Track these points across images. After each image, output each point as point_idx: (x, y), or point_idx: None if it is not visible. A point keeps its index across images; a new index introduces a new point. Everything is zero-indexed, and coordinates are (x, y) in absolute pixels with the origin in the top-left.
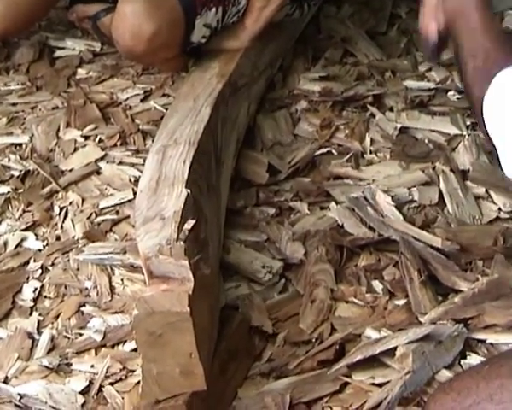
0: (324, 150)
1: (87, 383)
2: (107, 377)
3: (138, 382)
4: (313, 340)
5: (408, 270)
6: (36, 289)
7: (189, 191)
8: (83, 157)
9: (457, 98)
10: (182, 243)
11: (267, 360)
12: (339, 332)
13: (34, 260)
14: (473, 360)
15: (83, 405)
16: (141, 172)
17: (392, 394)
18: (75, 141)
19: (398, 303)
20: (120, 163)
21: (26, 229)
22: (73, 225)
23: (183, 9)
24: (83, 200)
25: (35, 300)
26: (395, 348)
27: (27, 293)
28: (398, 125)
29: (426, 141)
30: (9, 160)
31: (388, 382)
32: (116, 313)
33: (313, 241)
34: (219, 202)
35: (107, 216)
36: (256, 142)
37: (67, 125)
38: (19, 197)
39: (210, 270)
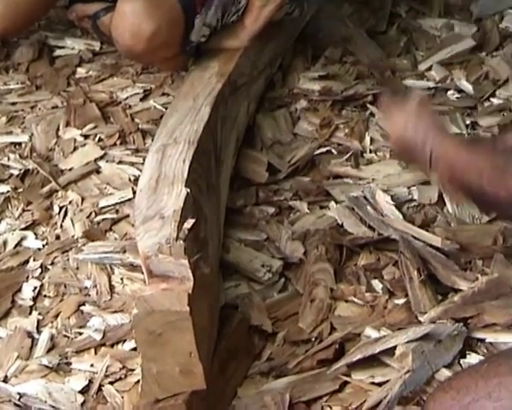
0: (324, 149)
1: (87, 382)
2: (106, 376)
3: (138, 381)
4: (313, 339)
5: (407, 269)
6: (35, 288)
7: (188, 190)
8: (82, 156)
9: (457, 97)
10: (181, 242)
11: (267, 360)
12: (338, 331)
13: (34, 260)
14: (472, 359)
15: (82, 404)
16: (140, 171)
17: (391, 393)
18: (75, 140)
19: (397, 302)
20: (120, 162)
21: (26, 228)
22: (73, 225)
23: (183, 8)
24: (82, 199)
25: (35, 299)
26: (395, 348)
27: (27, 292)
28: None
29: None
30: (9, 159)
31: (388, 381)
32: (116, 312)
33: (313, 240)
34: (219, 201)
35: (107, 215)
36: (256, 141)
37: (67, 124)
38: (18, 196)
39: (209, 269)
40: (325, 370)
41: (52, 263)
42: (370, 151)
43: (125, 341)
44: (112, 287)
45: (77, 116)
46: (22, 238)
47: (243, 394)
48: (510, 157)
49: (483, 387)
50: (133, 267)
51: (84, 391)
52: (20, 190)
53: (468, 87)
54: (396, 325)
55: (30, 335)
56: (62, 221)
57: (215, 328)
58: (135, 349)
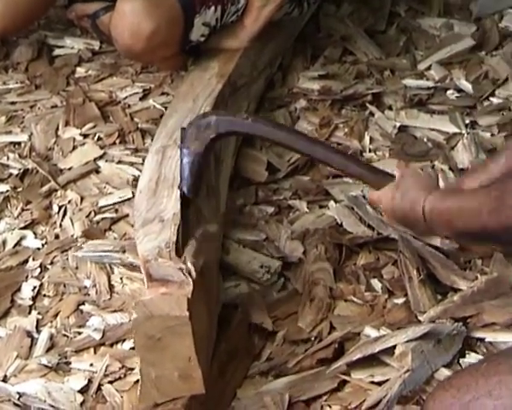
0: None
1: (86, 381)
2: (106, 375)
3: (137, 380)
4: (312, 338)
5: (407, 268)
6: (35, 287)
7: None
8: (82, 156)
9: (456, 97)
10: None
11: (266, 359)
12: (338, 331)
13: (33, 259)
14: (472, 358)
15: (82, 403)
16: (140, 170)
17: (391, 392)
18: (74, 139)
19: (397, 302)
20: (119, 162)
21: (25, 227)
22: (72, 224)
23: (182, 8)
24: (82, 198)
25: (34, 298)
26: (394, 347)
27: (26, 292)
28: (397, 124)
29: (425, 139)
30: (8, 158)
31: (387, 380)
32: (115, 311)
33: (312, 239)
34: (218, 200)
35: (106, 215)
36: (255, 140)
37: (66, 123)
38: (18, 196)
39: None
40: (325, 369)
41: (51, 262)
42: (370, 150)
43: (124, 340)
44: (111, 286)
45: (76, 115)
46: (21, 238)
47: (243, 394)
48: (506, 182)
49: (483, 385)
50: (132, 267)
51: (83, 391)
52: (20, 189)
53: (467, 86)
54: (395, 324)
55: (29, 334)
56: (62, 221)
57: (214, 331)
58: (134, 349)
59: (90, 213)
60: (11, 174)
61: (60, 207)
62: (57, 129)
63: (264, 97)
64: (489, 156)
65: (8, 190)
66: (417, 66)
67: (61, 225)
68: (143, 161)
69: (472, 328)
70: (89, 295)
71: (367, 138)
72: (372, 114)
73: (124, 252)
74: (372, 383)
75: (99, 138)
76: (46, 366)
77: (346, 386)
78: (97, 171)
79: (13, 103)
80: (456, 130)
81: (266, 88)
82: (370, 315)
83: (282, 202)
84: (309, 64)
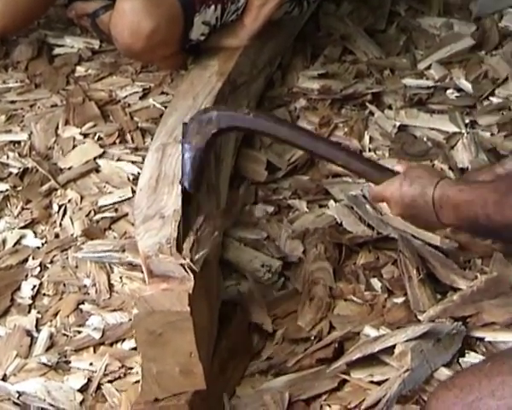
0: None
1: (85, 380)
2: (105, 374)
3: (137, 380)
4: (312, 338)
5: (407, 268)
6: (34, 286)
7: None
8: (81, 155)
9: (456, 96)
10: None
11: (266, 358)
12: (337, 330)
13: (33, 258)
14: (471, 358)
15: (81, 402)
16: (140, 169)
17: (390, 392)
18: (74, 138)
19: (396, 301)
20: (119, 161)
21: (25, 226)
22: (72, 223)
23: (182, 7)
24: (81, 197)
25: (34, 297)
26: (394, 346)
27: (26, 291)
28: (397, 123)
29: (425, 139)
30: (8, 157)
31: (387, 380)
32: (115, 310)
33: (312, 239)
34: (218, 199)
35: (106, 214)
36: (255, 140)
37: (66, 122)
38: (17, 195)
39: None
40: (324, 368)
41: (51, 262)
42: (369, 150)
43: (124, 340)
44: (111, 286)
45: (76, 115)
46: (21, 237)
47: (242, 393)
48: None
49: (486, 385)
50: (132, 266)
51: (82, 390)
52: (20, 188)
53: (467, 86)
54: (395, 323)
55: (29, 333)
56: (61, 220)
57: (215, 327)
58: (134, 348)
59: (89, 212)
60: (11, 173)
61: (60, 207)
62: (57, 128)
63: (263, 96)
64: (494, 161)
65: (7, 189)
66: (417, 65)
67: (60, 225)
68: (143, 160)
69: (471, 327)
70: (88, 294)
71: (367, 138)
72: (372, 113)
73: (123, 251)
74: (372, 382)
75: (99, 137)
76: (46, 365)
77: (346, 385)
78: (97, 170)
79: (13, 102)
80: (456, 129)
81: (266, 87)
82: (370, 315)
83: (281, 202)
84: (309, 63)
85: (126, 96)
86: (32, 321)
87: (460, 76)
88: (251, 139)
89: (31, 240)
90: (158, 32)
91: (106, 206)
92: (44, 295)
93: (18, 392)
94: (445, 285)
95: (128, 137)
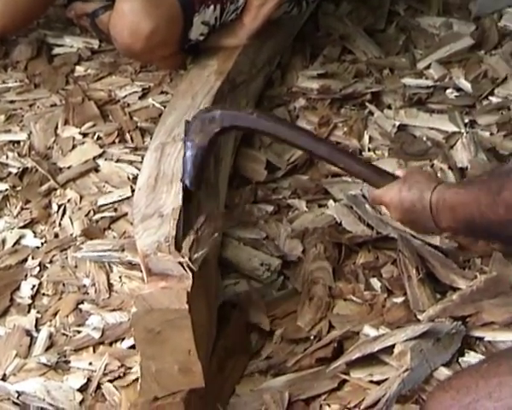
0: None
1: (85, 380)
2: (105, 374)
3: (136, 379)
4: (311, 337)
5: (406, 268)
6: (34, 286)
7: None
8: (81, 154)
9: (455, 96)
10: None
11: (265, 358)
12: (337, 330)
13: (32, 258)
14: (471, 357)
15: (81, 402)
16: (139, 169)
17: (390, 391)
18: (73, 138)
19: (396, 301)
20: (118, 160)
21: (24, 226)
22: (71, 223)
23: (181, 7)
24: (81, 197)
25: (33, 297)
26: (393, 346)
27: (25, 290)
28: (397, 123)
29: (424, 138)
30: (7, 157)
31: (386, 379)
32: (114, 310)
33: (311, 238)
34: (218, 199)
35: (106, 213)
36: (254, 139)
37: (65, 122)
38: (17, 195)
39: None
40: (324, 368)
41: (51, 261)
42: (369, 149)
43: (123, 339)
44: (110, 285)
45: (75, 114)
46: (21, 237)
47: (242, 392)
48: (504, 178)
49: (483, 387)
50: (132, 266)
51: (82, 389)
52: (19, 188)
53: (466, 86)
54: (395, 323)
55: (28, 333)
56: (61, 219)
57: (214, 326)
58: (133, 347)
59: (89, 211)
60: (10, 173)
61: (59, 206)
62: (56, 128)
63: (263, 96)
64: (493, 161)
65: (7, 189)
66: (416, 65)
67: (60, 224)
68: (143, 159)
69: (471, 327)
70: (88, 293)
71: (366, 137)
72: (371, 113)
73: (123, 251)
74: (371, 382)
75: (98, 137)
76: (45, 365)
77: (346, 385)
78: (96, 170)
79: (12, 102)
80: (456, 129)
81: (265, 86)
82: (369, 314)
83: (281, 201)
84: (308, 63)
85: (126, 96)
86: (31, 321)
87: (459, 76)
88: (250, 139)
89: (30, 240)
90: (157, 33)
91: (105, 205)
92: (44, 294)
93: (17, 392)
94: (444, 285)
95: (127, 136)
